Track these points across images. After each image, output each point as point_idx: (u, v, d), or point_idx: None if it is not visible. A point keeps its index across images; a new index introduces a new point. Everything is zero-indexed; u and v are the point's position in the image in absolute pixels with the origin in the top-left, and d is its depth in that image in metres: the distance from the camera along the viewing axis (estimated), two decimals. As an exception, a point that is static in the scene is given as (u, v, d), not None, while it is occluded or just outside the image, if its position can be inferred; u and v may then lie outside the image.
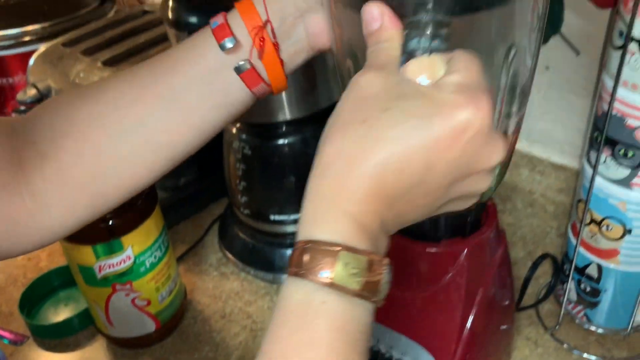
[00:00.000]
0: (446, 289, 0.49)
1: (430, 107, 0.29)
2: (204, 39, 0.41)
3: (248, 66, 0.40)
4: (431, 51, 0.32)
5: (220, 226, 0.78)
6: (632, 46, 0.43)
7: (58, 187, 0.41)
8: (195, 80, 0.41)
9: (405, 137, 0.28)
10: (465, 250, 0.48)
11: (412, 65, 0.31)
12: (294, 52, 0.41)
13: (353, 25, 0.35)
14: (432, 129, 0.28)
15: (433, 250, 0.49)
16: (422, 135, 0.28)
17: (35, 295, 0.71)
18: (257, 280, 0.72)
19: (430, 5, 0.32)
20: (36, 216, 0.41)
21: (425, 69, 0.31)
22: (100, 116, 0.41)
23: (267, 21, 0.40)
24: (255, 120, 0.60)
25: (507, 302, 0.54)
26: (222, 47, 0.39)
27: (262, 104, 0.58)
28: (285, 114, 0.59)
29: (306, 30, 0.41)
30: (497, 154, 0.31)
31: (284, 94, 0.58)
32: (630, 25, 0.43)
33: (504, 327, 0.55)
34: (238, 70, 0.40)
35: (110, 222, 0.56)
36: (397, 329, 0.53)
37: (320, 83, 0.59)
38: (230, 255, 0.74)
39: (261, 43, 0.40)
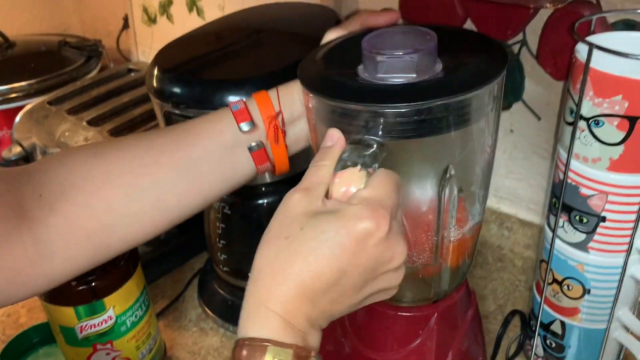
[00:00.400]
0: (417, 352, 0.51)
1: (338, 221, 0.35)
2: (223, 118, 0.46)
3: (260, 146, 0.46)
4: (363, 165, 0.37)
5: (199, 282, 0.80)
6: (581, 123, 0.47)
7: (63, 237, 0.43)
8: (212, 153, 0.46)
9: (318, 248, 0.34)
10: (435, 315, 0.50)
11: (341, 176, 0.37)
12: (296, 140, 0.48)
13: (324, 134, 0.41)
14: (339, 240, 0.34)
15: (404, 314, 0.51)
16: (332, 245, 0.34)
17: (15, 352, 0.71)
18: (235, 337, 0.73)
19: (370, 129, 0.39)
20: (37, 264, 0.42)
21: (350, 182, 0.37)
22: (117, 175, 0.44)
23: (280, 112, 0.46)
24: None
25: (480, 359, 0.57)
26: (241, 129, 0.45)
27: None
28: (265, 177, 0.62)
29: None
30: (398, 257, 0.36)
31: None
32: (578, 106, 0.47)
33: (476, 383, 0.57)
34: (251, 149, 0.46)
35: (93, 284, 0.58)
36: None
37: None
38: (209, 311, 0.75)
39: (275, 130, 0.45)
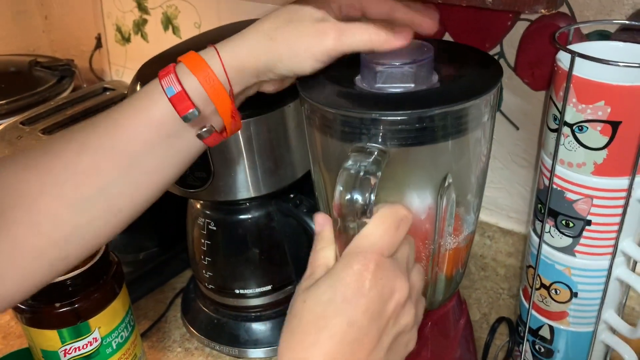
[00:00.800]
0: None
1: (332, 277, 0.37)
2: (157, 102, 0.41)
3: (211, 131, 0.42)
4: (365, 173, 0.37)
5: (183, 301, 0.78)
6: (565, 130, 0.49)
7: (10, 259, 0.40)
8: (154, 145, 0.42)
9: (325, 311, 0.36)
10: (429, 324, 0.51)
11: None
12: (244, 99, 0.46)
13: (325, 145, 0.42)
14: (338, 293, 0.35)
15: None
16: (334, 301, 0.35)
17: (-9, 382, 0.68)
18: (222, 356, 0.72)
19: (373, 137, 0.39)
20: None
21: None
22: (54, 186, 0.41)
23: (231, 90, 0.42)
24: (221, 199, 0.62)
25: (471, 367, 0.57)
26: (185, 120, 0.41)
27: (228, 183, 0.61)
28: (250, 192, 0.62)
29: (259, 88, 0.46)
30: (400, 290, 0.37)
31: (249, 175, 0.60)
32: (562, 112, 0.48)
33: (469, 389, 0.57)
34: (201, 136, 0.42)
35: (77, 305, 0.56)
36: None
37: (284, 163, 0.62)
38: (194, 331, 0.74)
39: (234, 120, 0.43)
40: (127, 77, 1.10)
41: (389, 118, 0.38)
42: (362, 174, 0.37)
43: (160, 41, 1.00)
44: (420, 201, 0.43)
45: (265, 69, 0.42)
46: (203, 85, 0.40)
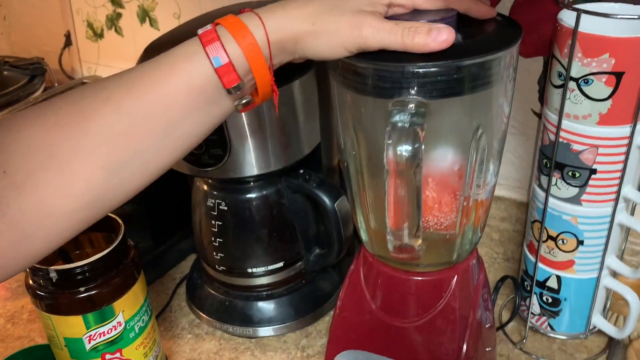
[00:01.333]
0: (442, 314, 0.53)
1: None
2: (199, 68, 0.40)
3: (250, 103, 0.43)
4: (411, 124, 0.39)
5: (188, 288, 0.78)
6: (571, 84, 0.52)
7: (40, 220, 0.39)
8: (191, 112, 0.41)
9: None
10: (456, 277, 0.53)
11: None
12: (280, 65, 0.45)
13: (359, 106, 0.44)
14: None
15: (427, 278, 0.53)
16: None
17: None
18: (234, 338, 0.72)
19: (413, 90, 0.41)
20: (18, 246, 0.39)
21: None
22: (89, 148, 0.39)
23: (271, 65, 0.42)
24: (235, 176, 0.62)
25: (489, 325, 0.60)
26: (229, 92, 0.41)
27: (241, 160, 0.61)
28: (262, 167, 0.63)
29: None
30: None
31: (261, 152, 0.61)
32: (568, 67, 0.51)
33: (489, 349, 0.60)
34: (238, 106, 0.42)
35: (100, 290, 0.55)
36: (397, 359, 0.56)
37: (294, 139, 0.63)
38: (204, 315, 0.73)
39: (275, 94, 0.43)
40: (101, 74, 1.08)
41: (428, 70, 0.40)
42: (408, 125, 0.39)
43: (136, 35, 0.99)
44: (454, 153, 0.45)
45: (300, 51, 0.42)
46: (246, 56, 0.40)
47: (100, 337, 0.56)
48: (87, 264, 0.54)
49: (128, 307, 0.57)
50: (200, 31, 0.41)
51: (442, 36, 0.40)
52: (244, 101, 0.42)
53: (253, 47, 0.40)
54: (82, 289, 0.54)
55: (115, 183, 0.41)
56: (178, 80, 0.40)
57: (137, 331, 0.59)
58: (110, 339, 0.57)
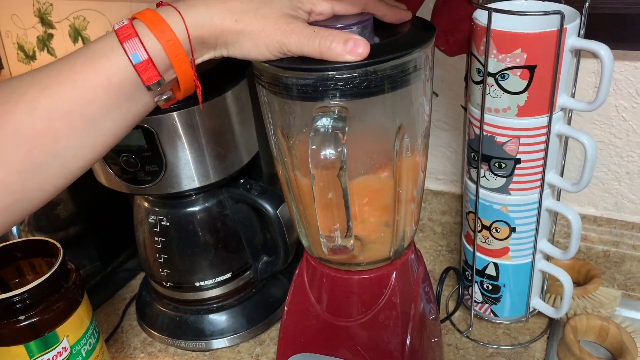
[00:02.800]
0: (384, 310, 0.55)
1: None
2: (118, 65, 0.39)
3: (170, 98, 0.42)
4: (334, 128, 0.40)
5: (138, 307, 0.77)
6: (490, 79, 0.55)
7: None
8: (112, 109, 0.40)
9: None
10: (395, 273, 0.55)
11: None
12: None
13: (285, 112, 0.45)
14: None
15: (367, 276, 0.54)
16: None
17: None
18: (188, 352, 0.72)
19: (334, 94, 0.42)
20: None
21: None
22: (3, 151, 0.38)
23: (192, 59, 0.41)
24: (174, 190, 0.62)
25: (433, 316, 0.61)
26: (149, 88, 0.40)
27: (179, 174, 0.61)
28: (201, 180, 0.63)
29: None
30: None
31: (199, 164, 0.62)
32: (485, 63, 0.54)
33: (435, 339, 0.62)
34: (159, 102, 0.42)
35: (41, 316, 0.54)
36: (346, 358, 0.57)
37: (231, 149, 0.64)
38: (155, 333, 0.73)
39: (198, 89, 0.43)
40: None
41: (347, 74, 0.41)
42: (330, 130, 0.40)
43: (69, 55, 0.97)
44: (379, 152, 0.47)
45: (222, 47, 0.43)
46: (167, 51, 0.39)
47: (45, 364, 0.55)
48: (26, 291, 0.53)
49: (73, 331, 0.57)
50: (116, 26, 0.40)
51: (358, 49, 0.41)
52: (164, 97, 0.42)
53: (173, 43, 0.40)
54: (21, 317, 0.53)
55: (32, 186, 0.39)
56: (96, 78, 0.39)
57: (84, 355, 0.58)
58: (56, 366, 0.56)
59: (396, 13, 0.48)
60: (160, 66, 0.40)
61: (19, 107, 0.38)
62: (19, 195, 0.39)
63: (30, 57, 1.02)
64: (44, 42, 0.99)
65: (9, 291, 0.53)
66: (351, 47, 0.41)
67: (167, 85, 0.42)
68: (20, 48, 1.02)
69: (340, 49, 0.41)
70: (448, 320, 0.72)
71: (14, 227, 0.71)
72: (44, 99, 0.38)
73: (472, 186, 0.62)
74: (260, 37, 0.41)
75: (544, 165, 0.58)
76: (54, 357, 0.56)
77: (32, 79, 0.39)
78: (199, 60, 0.43)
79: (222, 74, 0.63)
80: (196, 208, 0.67)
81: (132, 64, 0.39)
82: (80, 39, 0.95)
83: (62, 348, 0.56)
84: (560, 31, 0.50)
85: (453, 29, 0.69)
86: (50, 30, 0.97)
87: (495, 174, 0.59)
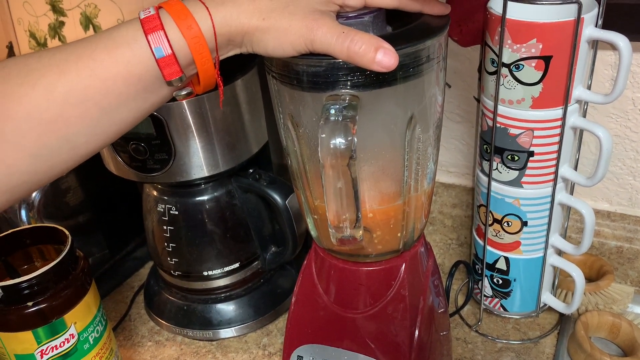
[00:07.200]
0: (393, 302, 0.54)
1: None
2: (140, 55, 0.38)
3: (190, 94, 0.41)
4: (344, 118, 0.39)
5: (146, 295, 0.77)
6: (504, 70, 0.54)
7: None
8: (129, 99, 0.39)
9: None
10: (404, 265, 0.54)
11: None
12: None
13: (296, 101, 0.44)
14: None
15: (376, 268, 0.54)
16: None
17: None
18: (195, 342, 0.72)
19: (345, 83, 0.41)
20: None
21: None
22: (15, 135, 0.37)
23: (217, 57, 0.40)
24: (183, 179, 0.62)
25: (442, 310, 0.61)
26: (170, 84, 0.39)
27: (188, 163, 0.61)
28: (210, 169, 0.63)
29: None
30: None
31: (208, 153, 0.61)
32: (499, 54, 0.53)
33: (443, 333, 0.61)
34: (177, 96, 0.41)
35: (49, 303, 0.54)
36: (353, 349, 0.57)
37: (241, 138, 0.63)
38: (163, 322, 0.73)
39: (219, 83, 0.42)
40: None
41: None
42: (340, 119, 0.40)
43: (80, 43, 0.97)
44: (390, 143, 0.46)
45: (247, 44, 0.42)
46: (191, 48, 0.38)
47: (52, 351, 0.55)
48: (34, 277, 0.53)
49: (80, 318, 0.57)
50: (142, 15, 0.39)
51: (388, 61, 0.38)
52: (183, 92, 0.41)
53: (198, 40, 0.39)
54: (30, 303, 0.53)
55: (42, 169, 0.39)
56: (116, 67, 0.38)
57: (91, 342, 0.58)
58: (63, 352, 0.56)
59: (434, 7, 0.45)
60: (183, 62, 0.39)
61: (35, 91, 0.37)
62: (27, 177, 0.39)
63: (42, 45, 1.02)
64: (55, 29, 0.99)
65: (18, 277, 0.54)
66: (381, 57, 0.38)
67: (187, 79, 0.41)
68: (32, 35, 1.02)
69: (370, 57, 0.38)
70: (457, 314, 0.72)
71: (24, 213, 0.71)
72: (61, 85, 0.38)
73: (484, 179, 0.61)
74: (286, 35, 0.40)
75: (558, 158, 0.57)
76: (62, 344, 0.56)
77: (50, 61, 0.38)
78: (223, 57, 0.42)
79: (231, 62, 0.62)
80: (205, 197, 0.66)
81: (154, 57, 0.38)
82: (91, 26, 0.94)
83: (70, 335, 0.56)
84: (578, 21, 0.49)
85: (467, 18, 0.68)
86: (61, 18, 0.97)
87: (507, 167, 0.58)
